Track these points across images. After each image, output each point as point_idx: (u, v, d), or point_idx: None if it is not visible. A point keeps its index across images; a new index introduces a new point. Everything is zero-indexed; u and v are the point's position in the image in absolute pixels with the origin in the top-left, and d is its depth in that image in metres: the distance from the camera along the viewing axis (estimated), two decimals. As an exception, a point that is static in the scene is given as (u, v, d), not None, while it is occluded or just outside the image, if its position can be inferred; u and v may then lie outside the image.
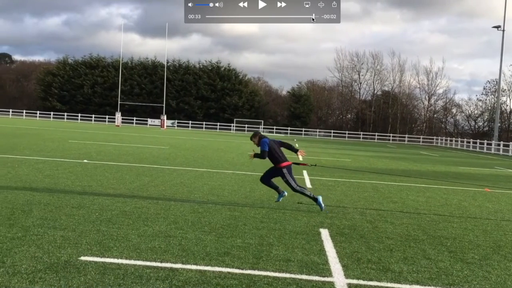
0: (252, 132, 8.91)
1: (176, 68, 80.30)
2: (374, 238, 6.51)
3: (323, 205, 8.27)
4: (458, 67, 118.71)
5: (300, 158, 9.12)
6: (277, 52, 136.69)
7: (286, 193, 8.63)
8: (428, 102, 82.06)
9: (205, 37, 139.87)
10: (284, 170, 8.35)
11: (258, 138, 8.53)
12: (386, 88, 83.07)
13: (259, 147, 8.49)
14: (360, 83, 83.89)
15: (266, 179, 8.57)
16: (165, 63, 73.82)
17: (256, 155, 8.58)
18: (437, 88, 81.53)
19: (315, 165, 10.22)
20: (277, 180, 8.57)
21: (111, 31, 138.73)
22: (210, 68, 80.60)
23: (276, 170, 8.42)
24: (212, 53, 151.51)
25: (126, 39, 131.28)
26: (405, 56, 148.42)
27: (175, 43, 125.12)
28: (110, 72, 78.71)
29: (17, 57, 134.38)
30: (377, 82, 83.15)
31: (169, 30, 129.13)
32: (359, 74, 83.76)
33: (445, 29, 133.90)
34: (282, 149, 8.59)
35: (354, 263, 5.25)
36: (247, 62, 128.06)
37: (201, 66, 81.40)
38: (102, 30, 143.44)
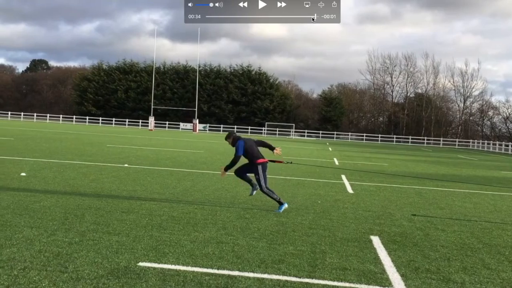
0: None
1: (208, 72, 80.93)
2: (428, 246, 6.34)
3: (280, 211, 8.18)
4: (492, 68, 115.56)
5: (275, 154, 8.70)
6: (306, 55, 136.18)
7: (258, 187, 8.44)
8: (464, 105, 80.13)
9: (233, 41, 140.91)
10: (259, 167, 8.30)
11: (232, 139, 8.45)
12: (420, 91, 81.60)
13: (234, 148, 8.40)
14: (393, 86, 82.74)
15: (240, 172, 8.51)
16: (197, 68, 74.47)
17: (226, 168, 8.34)
18: (473, 90, 79.51)
19: (291, 163, 10.62)
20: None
21: (142, 37, 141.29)
22: (241, 72, 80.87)
23: (252, 166, 8.35)
24: (241, 57, 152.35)
25: (157, 44, 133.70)
26: (439, 58, 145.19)
27: (204, 48, 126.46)
28: (143, 77, 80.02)
29: (52, 63, 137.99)
30: (410, 84, 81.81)
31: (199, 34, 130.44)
32: (391, 77, 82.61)
33: (477, 30, 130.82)
34: (262, 148, 8.58)
35: (413, 273, 5.12)
36: (276, 66, 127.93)
37: (232, 70, 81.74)
38: (133, 35, 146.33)
